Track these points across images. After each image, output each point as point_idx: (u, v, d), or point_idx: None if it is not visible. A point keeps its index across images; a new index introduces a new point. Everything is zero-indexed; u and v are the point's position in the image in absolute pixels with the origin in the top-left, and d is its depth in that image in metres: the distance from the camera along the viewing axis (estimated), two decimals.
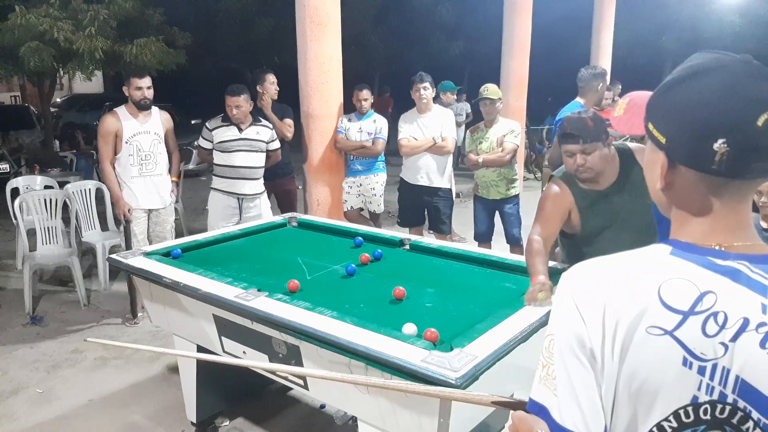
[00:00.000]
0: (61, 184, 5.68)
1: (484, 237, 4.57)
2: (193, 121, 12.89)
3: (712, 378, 0.79)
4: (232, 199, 4.25)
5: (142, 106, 4.18)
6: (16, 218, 4.83)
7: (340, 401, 2.12)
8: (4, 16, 7.34)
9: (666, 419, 0.81)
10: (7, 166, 8.74)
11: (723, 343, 0.79)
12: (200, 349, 2.69)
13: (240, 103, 4.11)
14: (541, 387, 0.87)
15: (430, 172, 4.57)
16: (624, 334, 0.80)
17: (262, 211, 4.33)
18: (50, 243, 4.78)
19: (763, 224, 3.26)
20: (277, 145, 4.40)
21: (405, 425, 1.81)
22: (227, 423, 3.02)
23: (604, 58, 10.03)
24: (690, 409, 0.80)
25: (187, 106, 15.47)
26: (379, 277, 2.58)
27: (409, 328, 1.89)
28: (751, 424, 0.79)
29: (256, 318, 2.11)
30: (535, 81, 8.02)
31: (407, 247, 3.04)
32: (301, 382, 2.16)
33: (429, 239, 3.44)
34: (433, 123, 4.54)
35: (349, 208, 5.04)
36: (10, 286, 5.12)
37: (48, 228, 4.78)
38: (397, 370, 1.67)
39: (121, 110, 4.22)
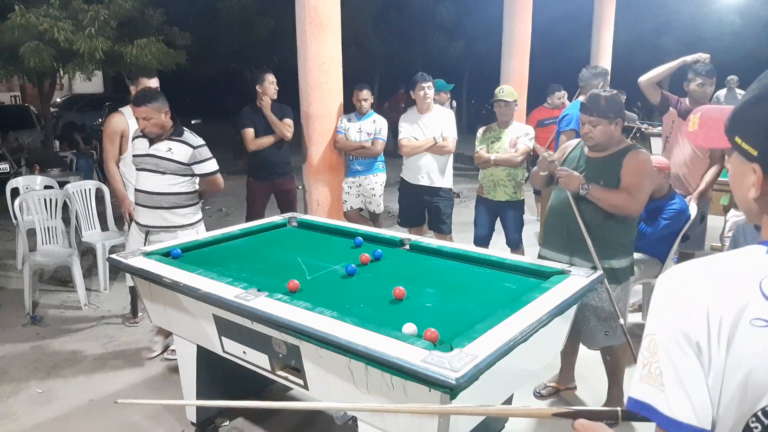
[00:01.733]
0: (61, 184, 5.68)
1: (483, 241, 4.52)
2: (193, 121, 12.90)
3: None
4: (141, 229, 3.59)
5: None
6: (16, 218, 4.83)
7: (340, 401, 2.12)
8: (4, 16, 7.34)
9: None
10: (7, 166, 8.74)
11: None
12: (200, 349, 2.69)
13: (148, 114, 3.32)
14: (643, 386, 0.90)
15: (431, 172, 4.57)
16: (729, 327, 0.84)
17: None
18: (50, 243, 4.78)
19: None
20: (208, 168, 3.48)
21: (405, 425, 1.81)
22: (227, 423, 3.02)
23: (604, 58, 10.03)
24: None
25: (187, 106, 15.48)
26: (379, 277, 2.58)
27: (409, 328, 1.89)
28: None
29: (256, 318, 2.11)
30: (535, 81, 8.01)
31: (407, 247, 3.04)
32: (301, 382, 2.16)
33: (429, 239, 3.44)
34: (433, 123, 4.53)
35: (348, 208, 5.05)
36: (10, 286, 5.12)
37: (48, 228, 4.78)
38: (397, 370, 1.67)
39: (127, 110, 4.22)
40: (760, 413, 0.84)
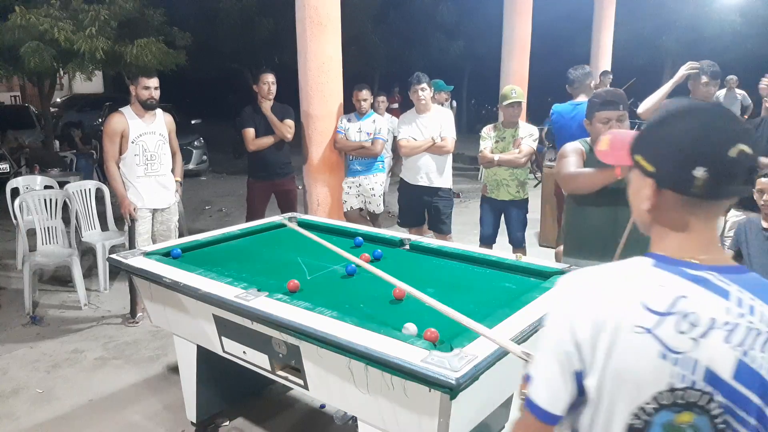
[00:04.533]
0: (61, 184, 5.68)
1: (488, 240, 4.54)
2: (193, 121, 12.88)
3: (685, 368, 0.95)
4: None
5: (148, 106, 4.19)
6: (16, 218, 4.83)
7: (340, 401, 2.12)
8: (4, 16, 7.34)
9: (647, 402, 0.97)
10: (7, 166, 8.74)
11: (694, 339, 0.95)
12: (200, 349, 2.69)
13: None
14: (532, 363, 1.12)
15: (430, 173, 4.57)
16: (611, 333, 0.97)
17: None
18: (50, 243, 4.78)
19: (764, 224, 3.25)
20: None
21: (405, 425, 1.81)
22: (227, 423, 3.02)
23: (604, 58, 10.04)
24: (668, 393, 0.97)
25: (187, 106, 15.46)
26: (379, 278, 2.58)
27: (409, 328, 1.89)
28: (714, 405, 0.96)
29: (256, 318, 2.11)
30: (535, 81, 8.02)
31: (407, 247, 3.04)
32: (301, 382, 2.16)
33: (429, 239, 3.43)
34: (432, 123, 4.53)
35: (348, 209, 5.05)
36: (10, 286, 5.12)
37: (48, 228, 4.78)
38: (397, 370, 1.67)
39: (127, 110, 4.22)
40: (638, 410, 0.98)
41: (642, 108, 4.17)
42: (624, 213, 2.58)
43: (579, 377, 1.01)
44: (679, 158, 0.98)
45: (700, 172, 0.95)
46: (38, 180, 5.85)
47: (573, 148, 2.87)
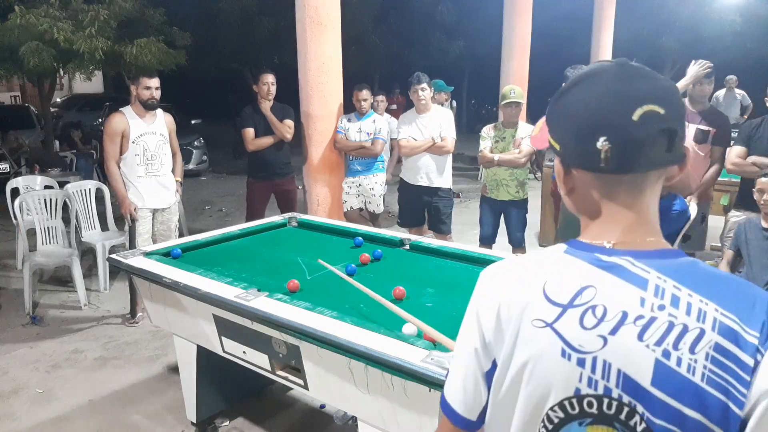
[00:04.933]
0: (61, 184, 5.69)
1: (488, 240, 4.54)
2: (193, 121, 12.88)
3: (593, 371, 0.79)
4: None
5: (149, 106, 4.20)
6: (16, 218, 4.83)
7: (340, 401, 2.12)
8: (4, 16, 7.34)
9: (552, 408, 0.83)
10: (7, 166, 8.74)
11: (602, 336, 0.79)
12: (200, 349, 2.69)
13: None
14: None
15: (430, 172, 4.57)
16: (514, 326, 0.85)
17: None
18: (50, 243, 4.78)
19: (764, 224, 3.25)
20: None
21: (405, 425, 1.81)
22: (227, 423, 3.02)
23: (604, 58, 10.03)
24: (574, 400, 0.81)
25: (187, 106, 15.46)
26: (379, 277, 2.58)
27: (409, 328, 1.89)
28: (637, 418, 0.78)
29: (256, 318, 2.11)
30: (535, 81, 8.02)
31: (407, 247, 3.04)
32: (301, 382, 2.16)
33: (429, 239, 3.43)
34: (432, 123, 4.53)
35: (348, 209, 5.05)
36: (10, 286, 5.12)
37: (48, 228, 4.78)
38: (397, 370, 1.67)
39: (128, 110, 4.23)
40: (545, 418, 0.84)
41: None
42: None
43: (490, 378, 0.90)
44: (579, 131, 0.84)
45: (600, 143, 0.81)
46: (38, 180, 5.84)
47: None
